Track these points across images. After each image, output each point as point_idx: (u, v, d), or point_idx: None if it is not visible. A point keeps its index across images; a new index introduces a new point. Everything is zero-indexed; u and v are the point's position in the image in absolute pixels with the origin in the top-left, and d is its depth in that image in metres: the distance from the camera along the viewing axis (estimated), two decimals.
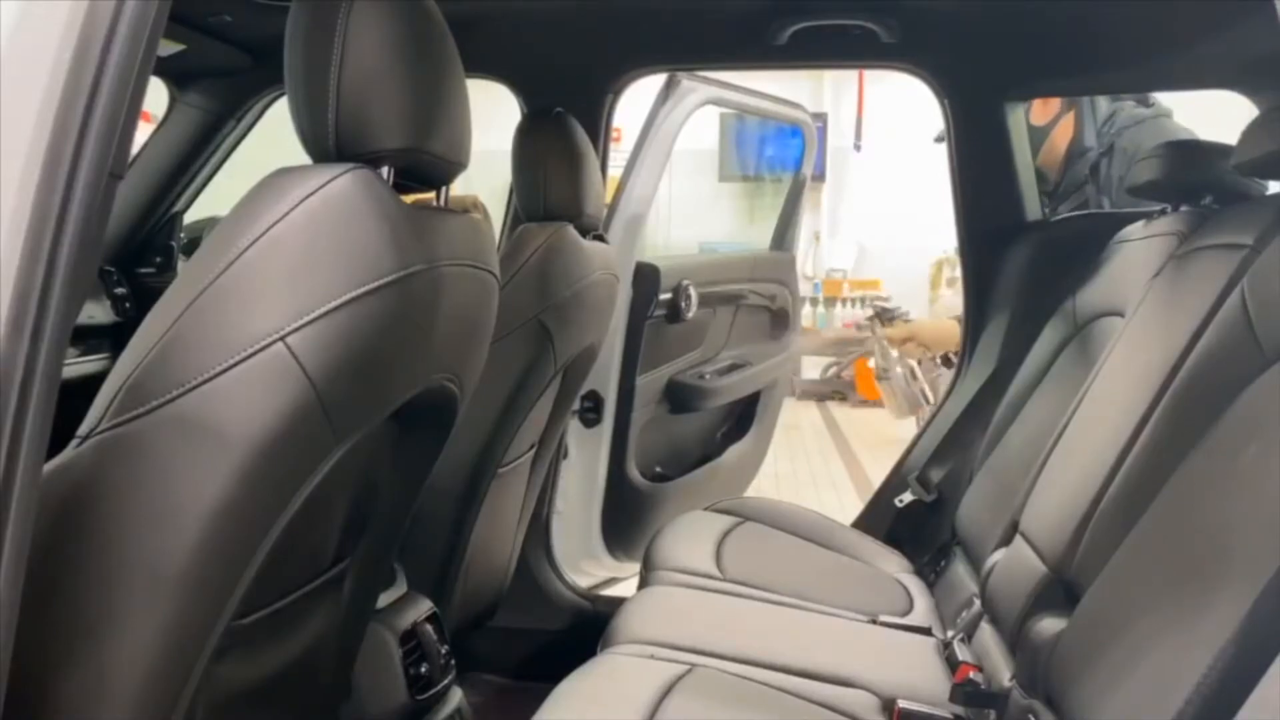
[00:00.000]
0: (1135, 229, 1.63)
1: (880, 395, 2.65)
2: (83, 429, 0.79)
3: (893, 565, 1.88)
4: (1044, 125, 2.18)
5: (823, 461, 5.26)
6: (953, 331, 2.29)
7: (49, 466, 0.75)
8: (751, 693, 1.31)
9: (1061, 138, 2.21)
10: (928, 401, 2.59)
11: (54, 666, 0.76)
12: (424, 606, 1.46)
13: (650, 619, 1.56)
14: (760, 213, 6.94)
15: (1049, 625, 1.16)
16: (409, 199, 0.95)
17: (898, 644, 1.56)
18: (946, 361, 2.36)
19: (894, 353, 2.42)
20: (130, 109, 0.66)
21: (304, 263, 0.82)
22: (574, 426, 2.26)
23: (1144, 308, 1.37)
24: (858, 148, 7.17)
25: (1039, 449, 1.44)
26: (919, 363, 2.50)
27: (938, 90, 2.01)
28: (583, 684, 1.30)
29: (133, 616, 0.78)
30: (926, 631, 1.60)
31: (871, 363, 2.59)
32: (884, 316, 2.48)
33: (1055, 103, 2.19)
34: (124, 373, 0.79)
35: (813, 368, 6.93)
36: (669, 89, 2.38)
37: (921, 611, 1.69)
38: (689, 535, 1.87)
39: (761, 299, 2.79)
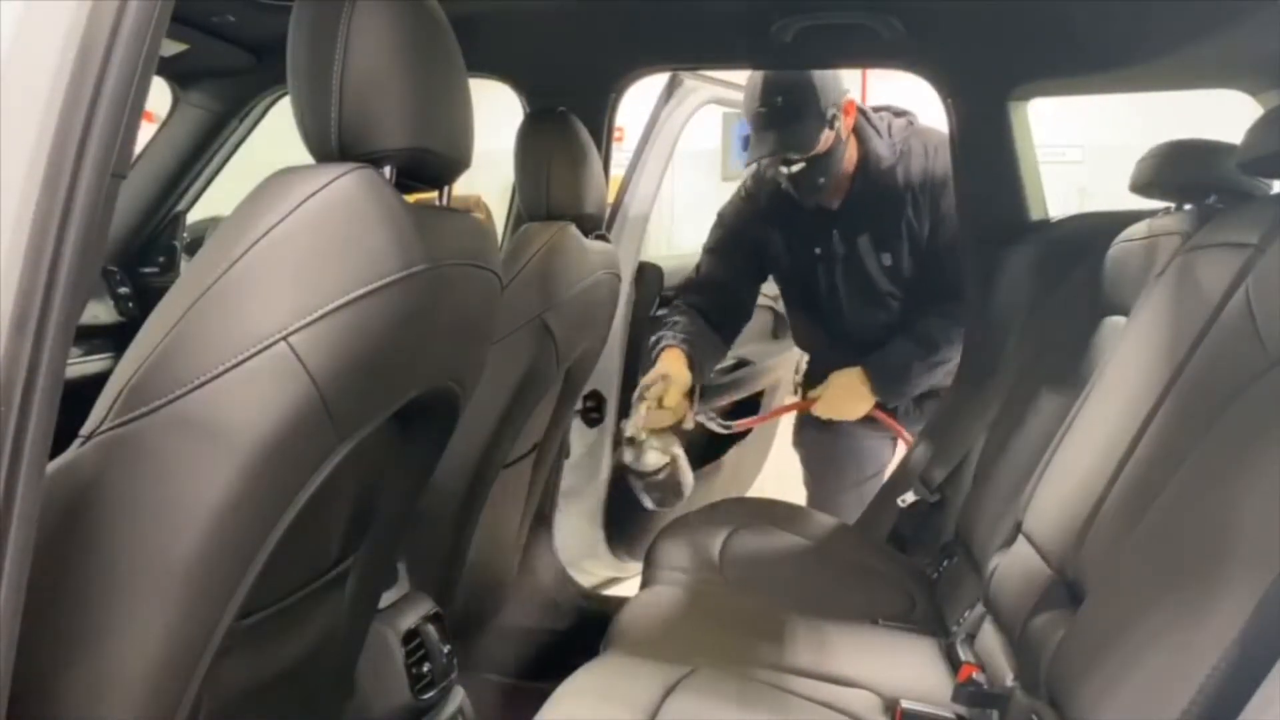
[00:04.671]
0: (1139, 228, 1.62)
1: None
2: (86, 429, 0.79)
3: (895, 565, 1.87)
4: None
5: None
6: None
7: (52, 466, 0.75)
8: (753, 693, 1.31)
9: None
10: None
11: (57, 666, 0.76)
12: (426, 606, 1.46)
13: (652, 619, 1.56)
14: None
15: (1052, 625, 1.15)
16: (411, 198, 0.95)
17: (900, 644, 1.55)
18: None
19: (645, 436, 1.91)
20: (133, 109, 0.66)
21: (307, 262, 0.82)
22: (576, 426, 2.26)
23: (1147, 307, 1.37)
24: None
25: (1042, 449, 1.44)
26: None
27: (941, 89, 2.01)
28: (585, 684, 1.30)
29: (136, 616, 0.78)
30: (929, 632, 1.60)
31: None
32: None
33: None
34: (127, 372, 0.79)
35: None
36: (672, 88, 2.38)
37: (924, 612, 1.69)
38: (691, 535, 1.87)
39: (765, 299, 2.79)
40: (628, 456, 1.97)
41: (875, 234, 2.11)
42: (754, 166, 2.21)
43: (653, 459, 1.93)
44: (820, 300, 2.19)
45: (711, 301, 2.18)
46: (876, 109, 2.17)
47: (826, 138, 2.01)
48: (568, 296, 1.60)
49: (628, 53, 2.11)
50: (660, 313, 2.44)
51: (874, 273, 2.13)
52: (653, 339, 2.13)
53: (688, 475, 2.02)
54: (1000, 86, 1.98)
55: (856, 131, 2.09)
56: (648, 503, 2.04)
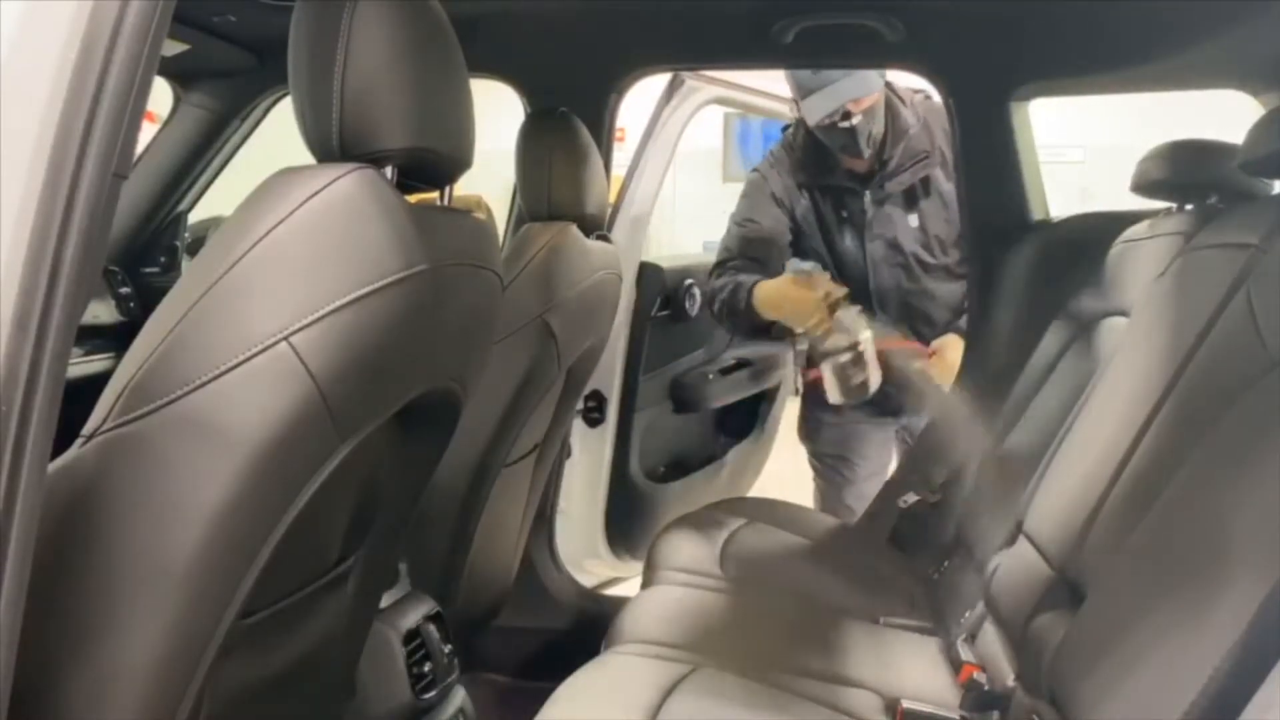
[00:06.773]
0: (1140, 228, 1.62)
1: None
2: (87, 428, 0.79)
3: (896, 565, 1.87)
4: None
5: None
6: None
7: (54, 466, 0.75)
8: (754, 693, 1.31)
9: None
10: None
11: (58, 666, 0.76)
12: (427, 606, 1.46)
13: (653, 619, 1.56)
14: None
15: (1053, 625, 1.15)
16: (413, 199, 0.95)
17: (901, 644, 1.55)
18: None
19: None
20: (134, 109, 0.66)
21: (308, 262, 0.82)
22: (577, 426, 2.26)
23: (1149, 307, 1.37)
24: None
25: (1043, 449, 1.44)
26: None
27: (943, 89, 2.01)
28: (586, 684, 1.30)
29: (137, 616, 0.78)
30: (930, 632, 1.60)
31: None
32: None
33: None
34: (128, 372, 0.79)
35: None
36: (673, 88, 2.38)
37: (925, 612, 1.68)
38: (692, 535, 1.87)
39: None
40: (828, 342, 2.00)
41: (904, 196, 2.16)
42: (784, 138, 2.27)
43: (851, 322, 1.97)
44: (845, 263, 2.23)
45: (753, 269, 2.21)
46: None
47: (881, 85, 2.07)
48: (569, 296, 1.60)
49: (628, 53, 2.11)
50: (661, 313, 2.44)
51: (901, 234, 2.18)
52: (721, 294, 2.18)
53: (875, 368, 2.03)
54: (1002, 87, 1.98)
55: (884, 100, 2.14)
56: (834, 396, 2.05)
